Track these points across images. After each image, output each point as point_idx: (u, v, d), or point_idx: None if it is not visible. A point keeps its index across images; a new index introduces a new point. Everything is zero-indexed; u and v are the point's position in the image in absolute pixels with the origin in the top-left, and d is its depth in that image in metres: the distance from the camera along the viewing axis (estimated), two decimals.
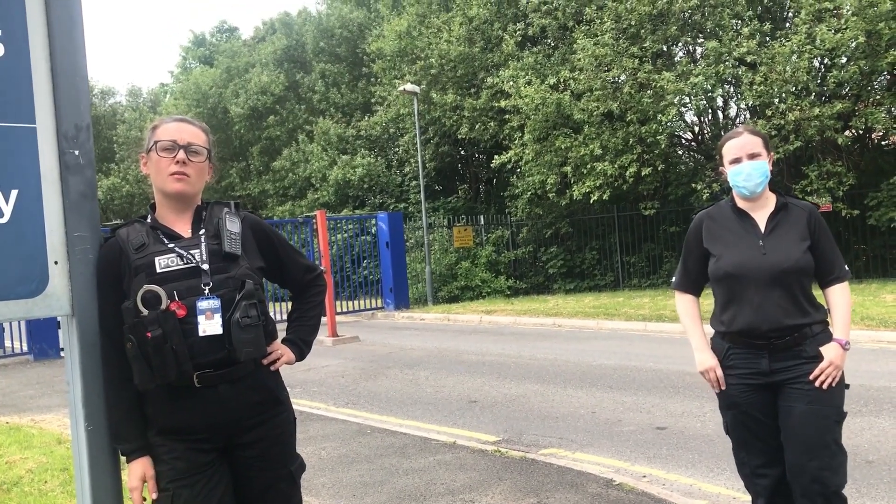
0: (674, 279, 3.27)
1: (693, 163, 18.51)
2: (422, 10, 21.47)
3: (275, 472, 2.36)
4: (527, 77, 17.06)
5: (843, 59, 14.17)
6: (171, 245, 2.26)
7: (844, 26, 13.33)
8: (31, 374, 11.42)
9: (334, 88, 26.81)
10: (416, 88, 19.06)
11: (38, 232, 2.10)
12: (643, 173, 15.83)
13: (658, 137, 15.33)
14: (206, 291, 2.21)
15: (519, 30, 18.49)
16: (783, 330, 2.87)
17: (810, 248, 2.92)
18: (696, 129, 18.40)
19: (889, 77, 15.02)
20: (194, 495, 2.21)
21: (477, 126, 19.37)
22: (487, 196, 23.65)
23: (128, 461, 2.24)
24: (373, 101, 24.52)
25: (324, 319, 2.73)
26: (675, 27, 15.44)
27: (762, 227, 2.98)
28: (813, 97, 14.20)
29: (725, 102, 17.55)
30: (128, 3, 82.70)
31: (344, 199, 24.03)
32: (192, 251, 2.26)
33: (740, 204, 3.04)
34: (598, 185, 16.11)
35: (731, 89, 16.41)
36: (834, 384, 2.86)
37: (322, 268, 2.93)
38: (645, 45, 15.55)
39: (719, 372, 3.01)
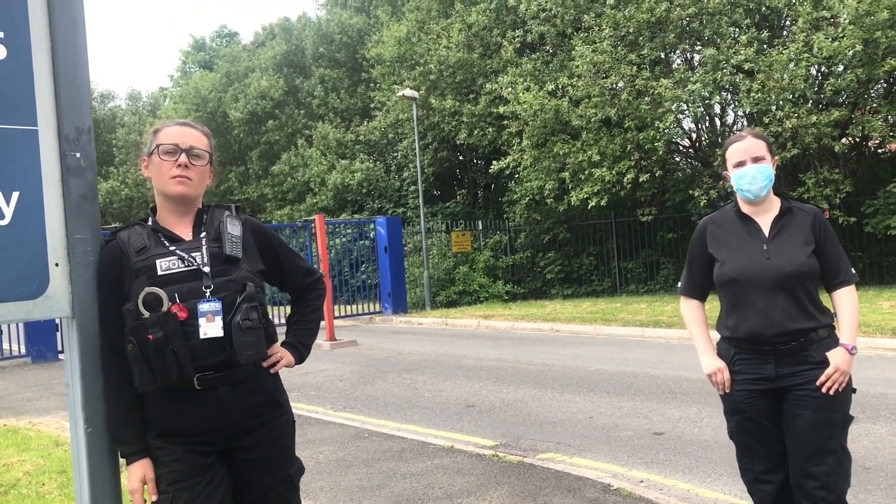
0: (679, 284, 3.26)
1: (690, 169, 18.54)
2: (421, 16, 21.53)
3: (274, 474, 2.37)
4: (525, 83, 17.10)
5: (841, 68, 14.22)
6: (172, 248, 2.27)
7: (841, 35, 13.38)
8: (30, 376, 11.40)
9: (333, 93, 26.85)
10: (415, 94, 19.10)
11: (39, 234, 2.11)
12: (641, 180, 15.86)
13: (656, 144, 15.37)
14: (208, 294, 2.22)
15: (518, 36, 18.54)
16: (788, 335, 2.86)
17: (815, 251, 2.91)
18: (694, 136, 18.44)
19: (886, 85, 15.07)
20: (193, 497, 2.22)
21: (475, 132, 19.41)
22: (486, 201, 23.67)
23: (127, 464, 2.25)
24: (372, 106, 24.56)
25: (322, 323, 2.74)
26: (673, 35, 15.49)
27: (766, 232, 2.97)
28: (810, 105, 14.24)
29: (723, 110, 17.59)
30: (128, 7, 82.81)
31: (342, 203, 24.05)
32: (193, 254, 2.27)
33: (744, 208, 3.04)
34: (595, 191, 16.14)
35: (729, 97, 16.45)
36: (840, 389, 2.84)
37: (321, 271, 2.94)
38: (643, 53, 15.60)
39: (727, 374, 2.98)
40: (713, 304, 3.15)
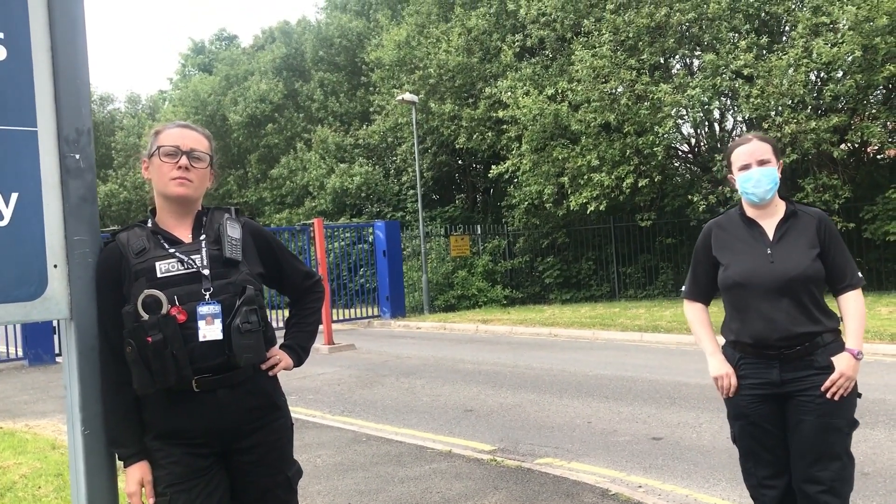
0: (683, 288, 3.24)
1: (690, 175, 18.56)
2: (421, 20, 21.55)
3: (272, 477, 2.36)
4: (525, 88, 17.12)
5: (840, 73, 14.25)
6: (171, 250, 2.26)
7: (841, 40, 13.41)
8: (27, 379, 11.38)
9: (333, 97, 26.86)
10: (415, 98, 19.11)
11: (38, 235, 2.11)
12: (640, 184, 15.88)
13: (655, 149, 15.38)
14: (207, 296, 2.22)
15: (517, 41, 18.56)
16: (793, 339, 2.84)
17: (820, 255, 2.89)
18: (693, 141, 18.46)
19: (885, 91, 15.11)
20: (191, 500, 2.21)
21: (475, 136, 19.42)
22: (484, 206, 23.67)
23: (125, 466, 2.24)
24: (371, 110, 24.56)
25: (320, 327, 2.74)
26: (672, 40, 15.52)
27: (770, 236, 2.95)
28: (809, 110, 14.27)
29: (722, 115, 17.62)
30: (127, 9, 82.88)
31: (341, 207, 24.04)
32: (192, 256, 2.26)
33: (749, 212, 3.02)
34: (594, 195, 16.15)
35: (728, 102, 16.48)
36: (845, 395, 2.83)
37: (320, 275, 2.94)
38: (643, 58, 15.63)
39: (734, 380, 2.96)
40: (715, 309, 3.14)
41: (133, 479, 2.22)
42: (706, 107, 15.34)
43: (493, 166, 18.50)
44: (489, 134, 19.14)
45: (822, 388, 2.82)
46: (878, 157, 16.91)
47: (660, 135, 15.24)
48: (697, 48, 16.29)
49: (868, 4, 13.16)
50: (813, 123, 13.63)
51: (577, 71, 16.11)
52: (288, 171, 25.96)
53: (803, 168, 15.02)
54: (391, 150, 24.10)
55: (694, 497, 4.64)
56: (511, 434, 6.38)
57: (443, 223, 21.76)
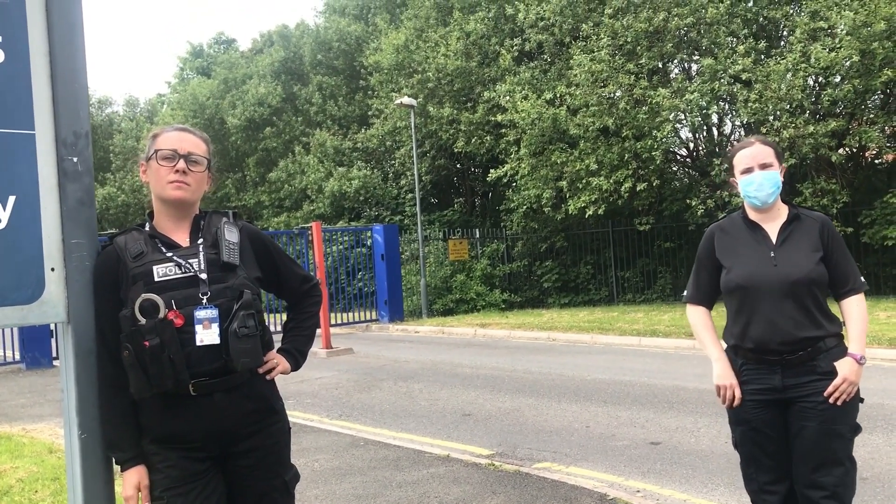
0: (685, 293, 3.22)
1: (688, 179, 18.58)
2: (419, 24, 21.58)
3: (269, 481, 2.35)
4: (523, 92, 17.14)
5: (838, 78, 14.29)
6: (169, 254, 2.26)
7: (839, 45, 13.44)
8: (24, 382, 11.35)
9: (331, 101, 26.88)
10: (413, 102, 19.12)
11: (35, 238, 2.10)
12: (638, 189, 15.89)
13: (653, 153, 15.40)
14: (204, 301, 2.21)
15: (516, 45, 18.58)
16: (795, 343, 2.83)
17: (823, 259, 2.88)
18: (691, 145, 18.48)
19: (883, 96, 15.13)
20: None
21: (473, 140, 19.43)
22: (483, 209, 23.68)
23: (122, 470, 2.23)
24: (369, 113, 24.58)
25: (318, 331, 2.73)
26: (670, 44, 15.55)
27: (774, 239, 2.94)
28: (807, 115, 14.28)
29: (720, 119, 17.64)
30: (125, 13, 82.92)
31: (340, 211, 24.03)
32: (190, 260, 2.26)
33: (752, 215, 3.01)
34: (593, 199, 16.16)
35: (726, 106, 16.49)
36: (848, 400, 2.82)
37: (318, 279, 2.93)
38: (641, 62, 15.65)
39: (737, 391, 2.93)
40: (714, 314, 3.14)
41: (130, 483, 2.22)
42: (704, 111, 15.35)
43: (492, 170, 18.50)
44: (488, 138, 19.15)
45: (826, 394, 2.80)
46: (876, 161, 16.94)
47: (658, 139, 15.26)
48: (696, 53, 16.33)
49: (866, 9, 13.19)
50: (811, 128, 13.65)
51: (575, 75, 16.13)
52: (286, 175, 25.96)
53: (801, 172, 15.03)
54: (390, 153, 24.11)
55: (692, 502, 4.63)
56: (509, 438, 6.37)
57: (441, 227, 21.76)
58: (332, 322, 15.89)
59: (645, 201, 16.95)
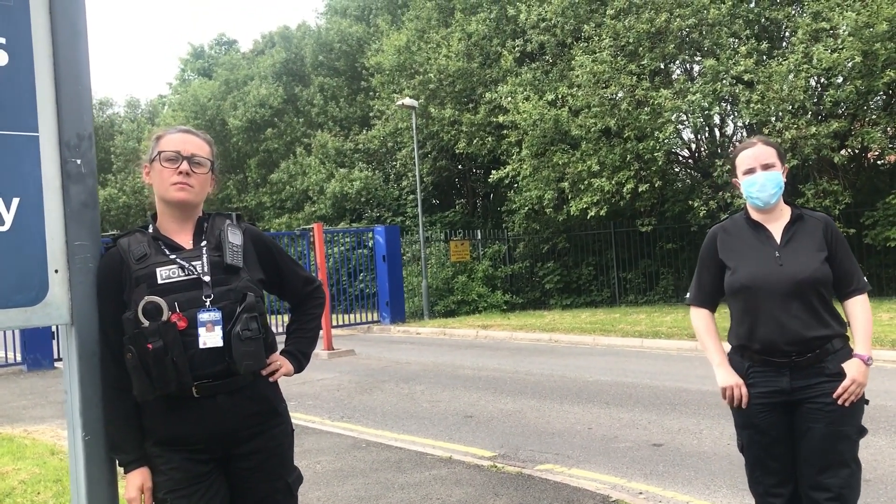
0: (688, 295, 3.19)
1: (690, 180, 18.58)
2: (421, 25, 21.58)
3: (272, 483, 2.35)
4: (525, 93, 17.14)
5: (840, 79, 14.27)
6: (172, 256, 2.26)
7: (841, 46, 13.43)
8: (25, 384, 11.35)
9: (332, 102, 26.88)
10: (415, 103, 19.12)
11: (39, 240, 2.10)
12: (640, 190, 15.88)
13: (655, 154, 15.39)
14: (208, 303, 2.21)
15: (517, 46, 18.58)
16: (803, 343, 2.81)
17: (827, 259, 2.87)
18: (693, 146, 18.48)
19: (885, 97, 15.12)
20: None
21: (475, 141, 19.43)
22: (484, 211, 23.67)
23: (125, 472, 2.23)
24: (371, 114, 24.58)
25: (320, 333, 2.73)
26: (672, 45, 15.54)
27: (778, 239, 2.92)
28: (809, 116, 14.28)
29: (722, 120, 17.64)
30: (127, 14, 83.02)
31: (341, 212, 24.04)
32: (193, 262, 2.25)
33: (755, 216, 3.00)
34: (595, 200, 16.15)
35: (729, 107, 16.50)
36: (855, 401, 2.81)
37: (320, 280, 2.93)
38: (643, 63, 15.64)
39: (744, 391, 2.91)
40: (721, 314, 3.12)
41: (133, 484, 2.22)
42: (706, 112, 15.34)
43: (494, 171, 18.50)
44: (489, 139, 19.15)
45: (834, 395, 2.79)
46: (879, 162, 16.93)
47: (660, 140, 15.25)
48: (698, 54, 16.32)
49: (868, 10, 13.18)
50: (813, 129, 13.64)
51: (577, 76, 16.13)
52: (288, 176, 25.97)
53: (804, 174, 15.03)
54: (391, 154, 24.12)
55: (695, 503, 4.62)
56: (511, 440, 6.36)
57: (443, 228, 21.76)
58: (334, 323, 15.89)
59: (647, 202, 16.94)
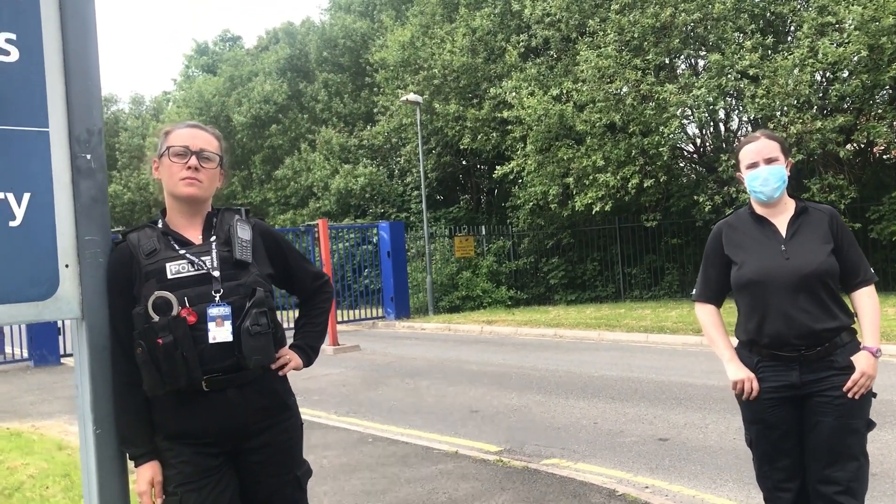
0: (694, 291, 3.18)
1: (695, 175, 18.54)
2: (425, 20, 21.55)
3: (281, 477, 2.36)
4: (529, 88, 17.11)
5: (846, 73, 14.22)
6: (182, 251, 2.27)
7: (847, 40, 13.38)
8: (32, 380, 11.41)
9: (337, 98, 26.88)
10: (419, 98, 19.10)
11: (50, 235, 2.11)
12: (645, 185, 15.85)
13: (660, 149, 15.36)
14: (217, 298, 2.22)
15: (522, 41, 18.56)
16: (813, 336, 2.81)
17: (834, 251, 2.87)
18: (698, 141, 18.44)
19: (891, 91, 15.07)
20: (202, 499, 2.22)
21: (479, 136, 19.41)
22: (489, 206, 23.66)
23: (136, 465, 2.25)
24: (375, 110, 24.57)
25: None
26: (677, 40, 15.50)
27: (783, 232, 2.92)
28: (815, 110, 14.24)
29: (727, 115, 17.60)
30: (131, 11, 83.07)
31: (345, 208, 24.06)
32: (203, 258, 2.26)
33: (759, 210, 2.99)
34: (600, 196, 16.12)
35: (734, 102, 16.46)
36: (865, 393, 2.81)
37: (328, 275, 2.94)
38: (648, 58, 15.61)
39: (755, 384, 2.89)
40: (726, 309, 3.11)
41: (144, 478, 2.23)
42: (711, 107, 15.31)
43: (498, 167, 18.47)
44: (494, 134, 19.12)
45: (845, 388, 2.79)
46: (885, 157, 16.87)
47: (665, 135, 15.22)
48: (702, 48, 16.27)
49: (874, 4, 13.12)
50: (819, 123, 13.60)
51: (581, 71, 16.09)
52: (292, 172, 25.98)
53: (809, 168, 14.99)
54: (395, 150, 24.11)
55: (701, 498, 4.63)
56: (517, 435, 6.37)
57: (447, 224, 21.76)
58: (339, 319, 15.90)
59: (652, 198, 16.91)
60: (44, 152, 2.10)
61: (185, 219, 2.34)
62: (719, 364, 3.09)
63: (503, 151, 19.30)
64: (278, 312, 2.44)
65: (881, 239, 14.86)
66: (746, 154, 2.97)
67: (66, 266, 2.14)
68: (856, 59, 13.49)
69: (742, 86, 14.49)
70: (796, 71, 13.68)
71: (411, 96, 18.92)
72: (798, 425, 2.90)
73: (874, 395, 2.91)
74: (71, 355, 13.28)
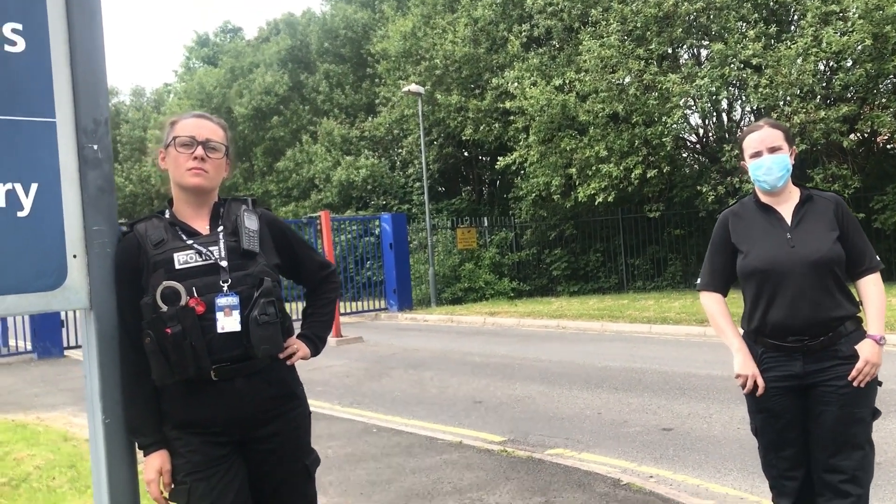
0: (699, 280, 3.17)
1: (698, 165, 18.50)
2: (427, 10, 21.47)
3: (290, 465, 2.37)
4: (532, 78, 17.05)
5: (850, 62, 14.17)
6: (189, 241, 2.27)
7: (851, 29, 13.33)
8: (36, 372, 11.44)
9: (338, 89, 26.83)
10: (421, 89, 19.05)
11: (57, 226, 2.12)
12: (648, 175, 15.82)
13: (663, 139, 15.33)
14: (225, 288, 2.22)
15: (524, 31, 18.49)
16: (817, 325, 2.80)
17: (839, 238, 2.86)
18: (701, 131, 18.39)
19: (895, 80, 15.01)
20: (210, 488, 2.22)
21: (481, 127, 19.37)
22: (491, 198, 23.64)
23: (145, 454, 2.26)
24: (377, 101, 24.53)
25: None
26: (680, 29, 15.44)
27: (788, 221, 2.91)
28: (818, 100, 14.19)
29: (730, 105, 17.54)
30: (131, 2, 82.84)
31: (347, 200, 24.04)
32: (210, 248, 2.27)
33: (764, 199, 2.99)
34: (603, 186, 16.10)
35: (737, 92, 16.40)
36: (870, 381, 2.81)
37: (335, 265, 2.94)
38: (651, 48, 15.55)
39: (760, 381, 2.89)
40: (730, 299, 3.10)
41: (152, 467, 2.24)
42: (714, 97, 15.27)
43: (500, 158, 18.45)
44: (496, 125, 19.08)
45: (850, 377, 2.78)
46: (888, 146, 16.82)
47: (668, 125, 15.18)
48: (705, 38, 16.21)
49: None
50: (822, 113, 13.56)
51: (584, 61, 16.03)
52: (294, 164, 25.97)
53: (813, 158, 14.95)
54: (397, 142, 24.07)
55: (705, 487, 4.64)
56: (521, 425, 6.39)
57: (449, 216, 21.75)
58: (342, 311, 15.93)
59: (655, 188, 16.89)
60: (51, 143, 2.10)
61: (191, 209, 2.34)
62: (722, 354, 3.08)
63: (505, 142, 19.26)
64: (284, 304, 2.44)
65: (885, 229, 14.84)
66: (750, 143, 2.96)
67: (74, 256, 2.14)
68: (860, 47, 13.44)
69: (745, 75, 14.44)
70: (800, 60, 13.64)
71: (413, 87, 18.87)
72: (803, 414, 2.90)
73: (880, 383, 2.90)
74: (74, 347, 13.39)
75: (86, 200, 2.15)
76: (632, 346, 10.53)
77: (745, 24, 15.12)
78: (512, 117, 17.81)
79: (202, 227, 2.33)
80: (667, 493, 4.41)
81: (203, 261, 2.24)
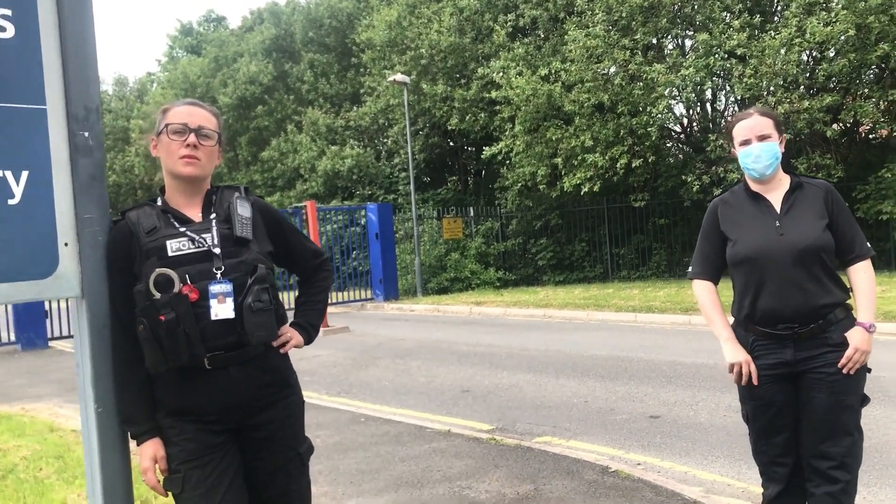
0: (690, 269, 3.17)
1: (683, 155, 18.59)
2: (412, 0, 21.39)
3: (284, 453, 2.38)
4: (517, 68, 17.05)
5: (833, 53, 14.26)
6: (182, 229, 2.26)
7: (834, 19, 13.41)
8: (21, 363, 11.35)
9: (323, 79, 26.69)
10: (406, 79, 19.00)
11: (49, 213, 2.10)
12: (633, 165, 15.89)
13: (649, 129, 15.38)
14: (219, 275, 2.21)
15: (510, 20, 18.47)
16: (808, 313, 2.81)
17: (829, 226, 2.87)
18: (686, 121, 18.47)
19: (878, 70, 15.14)
20: (205, 476, 2.22)
21: (467, 117, 19.36)
22: (477, 188, 23.64)
23: (138, 443, 2.25)
24: (362, 91, 24.43)
25: None
26: (665, 19, 15.48)
27: (778, 208, 2.92)
28: (802, 90, 14.29)
29: (715, 95, 17.63)
30: None
31: (333, 190, 23.97)
32: (203, 235, 2.26)
33: (753, 187, 2.99)
34: (588, 176, 16.15)
35: (721, 82, 16.48)
36: (859, 369, 2.83)
37: (327, 254, 2.94)
38: (636, 38, 15.59)
39: (753, 368, 2.90)
40: (721, 288, 3.12)
41: (146, 455, 2.23)
42: (699, 87, 15.33)
43: (486, 148, 18.45)
44: (482, 115, 19.07)
45: (839, 365, 2.80)
46: (871, 136, 16.97)
47: (653, 115, 15.23)
48: (690, 28, 16.26)
49: None
50: (806, 103, 13.66)
51: (570, 51, 16.05)
52: (279, 154, 25.83)
53: (796, 148, 15.06)
54: (382, 131, 24.01)
55: (693, 473, 4.69)
56: (508, 413, 6.42)
57: (435, 206, 21.74)
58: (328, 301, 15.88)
59: (640, 178, 16.96)
60: (42, 130, 2.08)
61: (184, 197, 2.33)
62: (708, 343, 3.11)
63: (491, 132, 19.26)
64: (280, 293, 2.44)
65: (867, 218, 14.97)
66: (740, 131, 2.96)
67: (66, 244, 2.13)
68: (843, 38, 13.53)
69: (730, 65, 14.51)
70: (783, 50, 13.71)
71: (398, 77, 18.81)
72: (793, 401, 2.92)
73: (869, 370, 2.92)
74: (58, 338, 13.29)
75: (77, 188, 2.13)
76: (617, 334, 10.60)
77: (729, 15, 15.18)
78: (498, 107, 17.81)
79: (195, 214, 2.32)
80: (655, 480, 4.45)
81: (196, 248, 2.23)
